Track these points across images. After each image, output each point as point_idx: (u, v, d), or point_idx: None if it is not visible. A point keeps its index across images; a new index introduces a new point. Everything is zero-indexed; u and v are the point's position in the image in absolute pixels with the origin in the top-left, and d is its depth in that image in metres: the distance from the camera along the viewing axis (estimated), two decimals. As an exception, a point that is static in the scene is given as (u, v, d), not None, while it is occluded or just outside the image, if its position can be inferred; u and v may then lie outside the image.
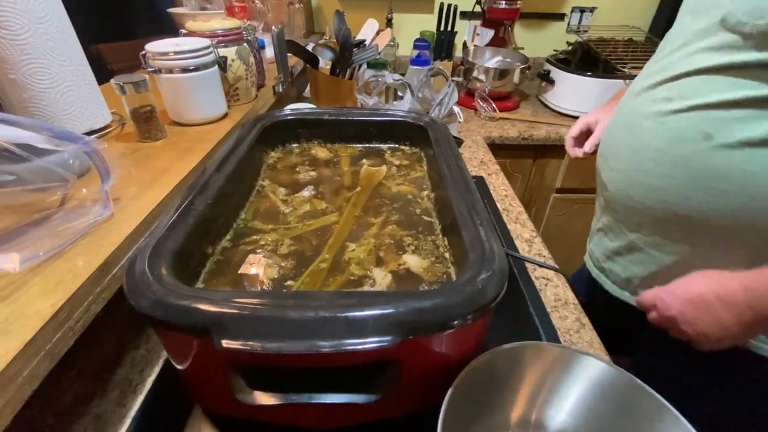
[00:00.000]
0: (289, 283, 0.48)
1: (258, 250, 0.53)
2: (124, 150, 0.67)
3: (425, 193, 0.66)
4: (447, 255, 0.52)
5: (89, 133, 0.69)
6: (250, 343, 0.32)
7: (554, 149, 1.41)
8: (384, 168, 0.73)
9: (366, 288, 0.47)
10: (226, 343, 0.33)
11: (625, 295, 0.77)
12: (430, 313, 0.35)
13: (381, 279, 0.48)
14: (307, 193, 0.65)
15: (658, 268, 0.68)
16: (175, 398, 0.51)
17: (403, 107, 1.00)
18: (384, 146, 0.81)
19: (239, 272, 0.49)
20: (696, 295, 0.52)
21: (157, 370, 0.55)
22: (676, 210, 0.61)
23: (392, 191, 0.67)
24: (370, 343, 0.33)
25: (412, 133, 0.78)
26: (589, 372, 0.41)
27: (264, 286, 0.48)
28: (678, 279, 0.57)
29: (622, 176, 0.69)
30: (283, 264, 0.51)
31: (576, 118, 1.43)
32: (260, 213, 0.61)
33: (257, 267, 0.50)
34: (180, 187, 0.58)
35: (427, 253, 0.53)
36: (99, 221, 0.48)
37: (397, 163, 0.75)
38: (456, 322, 0.36)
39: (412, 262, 0.51)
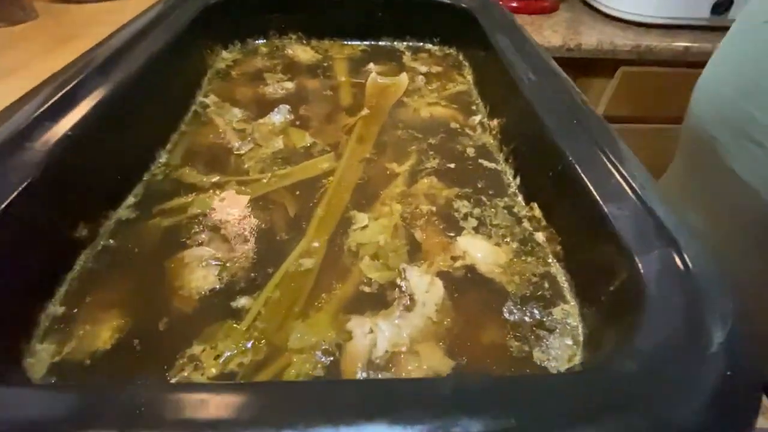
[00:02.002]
0: (240, 303, 0.24)
1: (190, 235, 0.28)
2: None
3: (477, 119, 0.40)
4: (540, 236, 0.28)
5: None
6: None
7: (602, 64, 1.11)
8: (404, 77, 0.45)
9: (396, 311, 0.24)
10: None
11: None
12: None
13: (423, 293, 0.25)
14: (278, 117, 0.38)
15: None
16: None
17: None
18: (400, 44, 0.52)
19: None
20: None
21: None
22: None
23: (421, 116, 0.40)
24: None
25: (445, 22, 0.50)
26: None
27: (191, 308, 0.24)
28: None
29: None
30: (229, 258, 0.26)
31: (639, 24, 1.11)
32: (196, 152, 0.35)
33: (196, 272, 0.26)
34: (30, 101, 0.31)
35: (503, 232, 0.29)
36: None
37: (423, 70, 0.47)
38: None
39: (478, 251, 0.27)
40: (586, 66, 1.17)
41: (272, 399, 0.14)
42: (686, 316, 0.16)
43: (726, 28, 1.09)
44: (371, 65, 0.48)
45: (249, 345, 0.22)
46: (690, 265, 0.18)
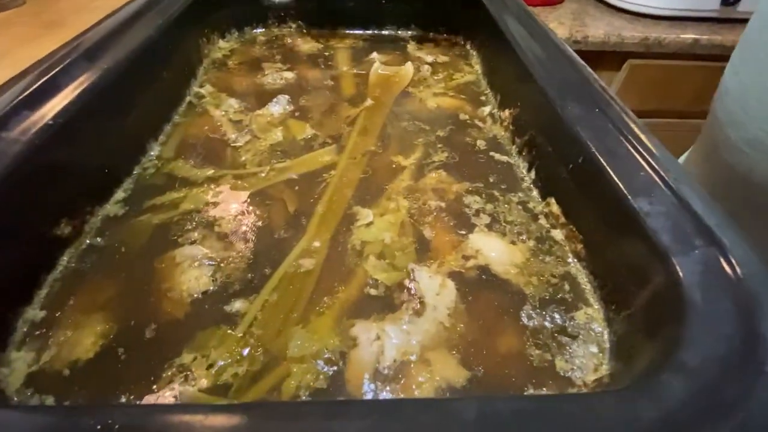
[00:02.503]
0: (235, 307, 0.22)
1: (183, 233, 0.26)
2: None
3: (487, 110, 0.38)
4: (558, 234, 0.26)
5: None
6: None
7: (609, 57, 1.08)
8: (410, 67, 0.43)
9: (404, 315, 0.22)
10: None
11: None
12: None
13: (434, 295, 0.23)
14: (277, 107, 0.36)
15: None
16: None
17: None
18: (405, 33, 0.50)
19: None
20: None
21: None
22: None
23: (428, 107, 0.38)
24: None
25: (452, 9, 0.48)
26: None
27: (185, 311, 0.22)
28: None
29: None
30: (223, 258, 0.24)
31: (647, 16, 1.08)
32: (190, 145, 0.33)
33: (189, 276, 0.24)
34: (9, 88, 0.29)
35: (518, 229, 0.27)
36: None
37: (429, 59, 0.45)
38: None
39: (492, 250, 0.25)
40: (592, 59, 1.14)
41: (269, 422, 0.12)
42: (738, 326, 0.14)
43: (736, 20, 1.06)
44: (374, 55, 0.45)
45: (244, 353, 0.20)
46: (738, 267, 0.16)
